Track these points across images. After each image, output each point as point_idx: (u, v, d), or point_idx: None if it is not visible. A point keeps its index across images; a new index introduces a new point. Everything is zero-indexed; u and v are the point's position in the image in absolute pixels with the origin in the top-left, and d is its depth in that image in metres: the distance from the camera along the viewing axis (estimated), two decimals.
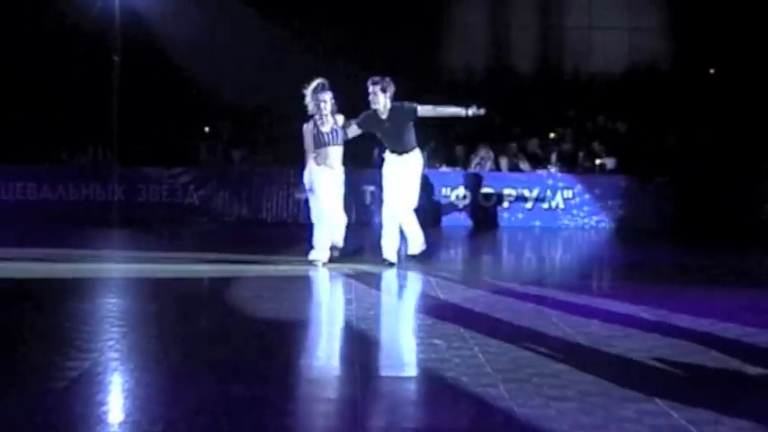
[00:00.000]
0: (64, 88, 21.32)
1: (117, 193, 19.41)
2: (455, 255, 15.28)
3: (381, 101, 12.11)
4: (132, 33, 20.81)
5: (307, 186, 12.14)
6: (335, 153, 11.99)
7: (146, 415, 5.23)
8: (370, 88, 12.14)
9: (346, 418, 5.29)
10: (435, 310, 8.70)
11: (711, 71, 23.63)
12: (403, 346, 7.52)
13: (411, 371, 6.55)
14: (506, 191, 19.62)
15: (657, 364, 6.60)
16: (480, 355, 6.77)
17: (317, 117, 11.92)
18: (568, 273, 12.90)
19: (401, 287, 10.97)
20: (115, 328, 7.60)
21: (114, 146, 20.28)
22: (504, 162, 20.52)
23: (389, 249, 12.14)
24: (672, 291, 10.27)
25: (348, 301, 9.27)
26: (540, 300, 9.44)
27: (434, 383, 6.08)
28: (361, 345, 7.23)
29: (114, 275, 11.33)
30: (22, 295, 9.56)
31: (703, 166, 19.64)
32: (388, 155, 12.33)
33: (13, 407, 5.31)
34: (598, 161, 20.67)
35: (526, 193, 19.57)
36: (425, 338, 7.42)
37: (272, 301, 9.08)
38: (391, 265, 11.95)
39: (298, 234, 14.45)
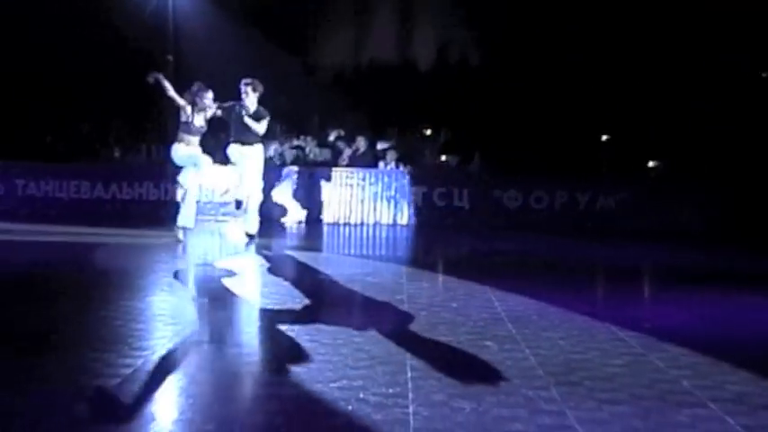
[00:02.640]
0: (118, 88, 21.53)
1: (170, 192, 19.55)
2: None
3: (251, 99, 14.18)
4: (184, 32, 20.97)
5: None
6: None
7: (199, 413, 5.26)
8: (242, 87, 14.14)
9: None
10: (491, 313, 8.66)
11: None
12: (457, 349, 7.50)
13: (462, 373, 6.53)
14: None
15: (713, 369, 6.55)
16: (532, 358, 6.74)
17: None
18: (618, 276, 12.81)
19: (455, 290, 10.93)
20: (168, 326, 7.65)
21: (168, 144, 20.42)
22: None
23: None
24: (724, 295, 10.17)
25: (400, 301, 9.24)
26: (591, 303, 9.38)
27: (487, 385, 6.05)
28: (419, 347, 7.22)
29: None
30: (74, 289, 9.62)
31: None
32: (232, 144, 14.38)
33: (66, 402, 5.37)
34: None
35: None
36: (478, 340, 7.41)
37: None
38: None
39: None
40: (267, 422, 4.99)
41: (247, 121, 14.25)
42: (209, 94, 14.07)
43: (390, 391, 5.67)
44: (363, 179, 19.93)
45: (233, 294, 9.49)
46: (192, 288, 10.20)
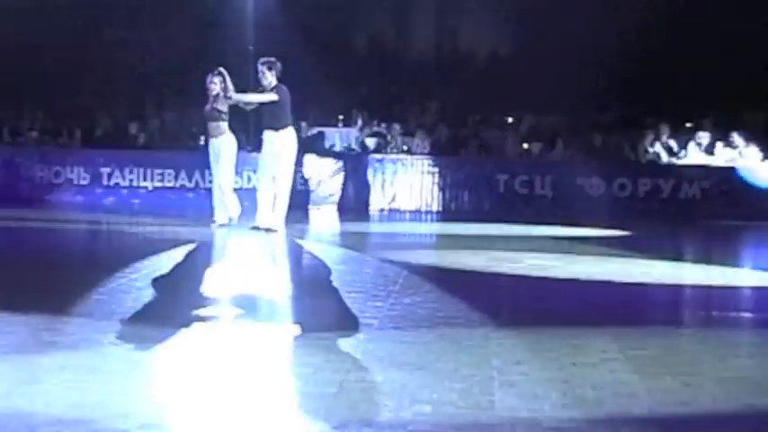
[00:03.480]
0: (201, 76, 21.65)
1: (253, 180, 19.68)
2: None
3: (268, 78, 13.61)
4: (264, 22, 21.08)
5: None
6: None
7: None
8: (259, 67, 13.74)
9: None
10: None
11: None
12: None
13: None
14: None
15: None
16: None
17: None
18: None
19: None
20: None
21: (251, 133, 20.55)
22: None
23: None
24: None
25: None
26: None
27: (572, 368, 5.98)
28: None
29: None
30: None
31: None
32: (264, 131, 13.89)
33: None
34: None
35: None
36: (561, 328, 7.33)
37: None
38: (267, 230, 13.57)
39: None
40: (352, 407, 4.97)
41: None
42: (216, 79, 14.09)
43: (475, 378, 5.62)
44: (444, 167, 19.87)
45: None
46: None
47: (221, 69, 14.07)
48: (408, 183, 19.81)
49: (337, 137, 21.15)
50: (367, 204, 19.67)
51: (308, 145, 20.29)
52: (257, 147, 14.83)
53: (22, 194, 19.62)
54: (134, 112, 22.44)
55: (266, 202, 13.91)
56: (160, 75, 22.27)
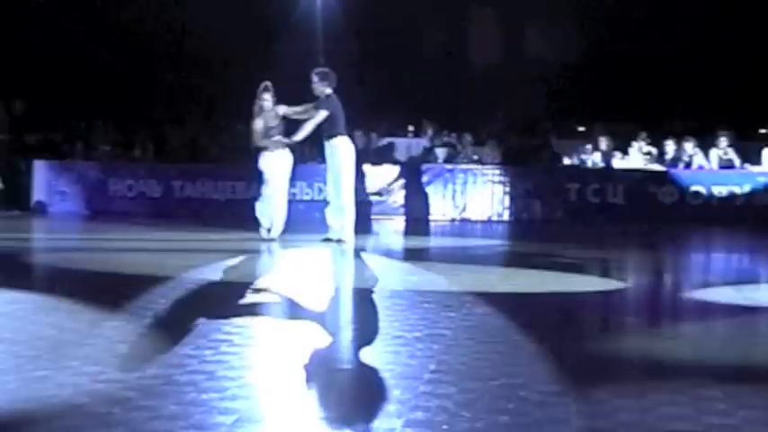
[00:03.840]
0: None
1: (323, 192, 19.75)
2: None
3: (319, 89, 13.64)
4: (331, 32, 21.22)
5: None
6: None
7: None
8: (313, 77, 13.72)
9: None
10: None
11: None
12: None
13: None
14: None
15: None
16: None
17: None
18: None
19: None
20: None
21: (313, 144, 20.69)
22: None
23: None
24: None
25: None
26: None
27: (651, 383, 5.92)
28: None
29: None
30: None
31: None
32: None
33: None
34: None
35: None
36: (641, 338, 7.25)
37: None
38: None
39: None
40: (429, 420, 4.96)
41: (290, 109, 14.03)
42: (266, 95, 14.03)
43: (551, 389, 5.59)
44: (515, 176, 19.82)
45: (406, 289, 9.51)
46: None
47: (268, 84, 14.12)
48: (479, 192, 19.76)
49: (407, 147, 21.17)
50: (428, 215, 19.62)
51: (378, 155, 20.35)
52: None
53: (98, 208, 19.88)
54: (205, 125, 22.65)
55: (332, 213, 13.97)
56: (230, 86, 22.42)
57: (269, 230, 14.12)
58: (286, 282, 10.47)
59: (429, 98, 22.24)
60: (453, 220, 19.59)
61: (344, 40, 21.43)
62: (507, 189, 19.72)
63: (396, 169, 19.99)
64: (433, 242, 16.80)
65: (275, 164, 14.04)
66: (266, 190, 14.07)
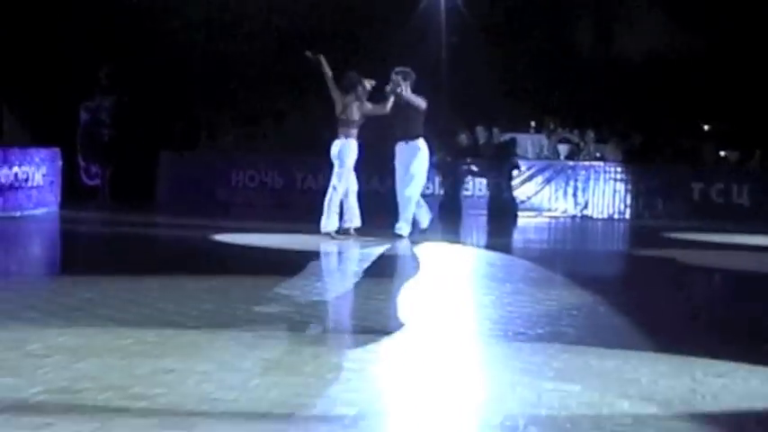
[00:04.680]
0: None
1: (445, 186, 19.84)
2: None
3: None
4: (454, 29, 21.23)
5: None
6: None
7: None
8: (393, 77, 13.40)
9: None
10: None
11: None
12: None
13: None
14: None
15: None
16: None
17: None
18: None
19: None
20: None
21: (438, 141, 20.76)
22: None
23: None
24: None
25: None
26: None
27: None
28: None
29: None
30: None
31: None
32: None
33: None
34: None
35: None
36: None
37: None
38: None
39: None
40: (552, 421, 4.98)
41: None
42: (367, 84, 13.52)
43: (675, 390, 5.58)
44: (637, 175, 19.60)
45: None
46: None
47: (353, 74, 13.56)
48: (601, 190, 19.60)
49: (529, 143, 21.07)
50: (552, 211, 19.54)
51: (500, 151, 20.31)
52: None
53: (220, 199, 20.21)
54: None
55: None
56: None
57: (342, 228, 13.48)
58: (413, 277, 10.56)
59: (552, 93, 22.04)
60: (574, 217, 19.45)
61: (464, 34, 21.39)
62: (629, 187, 19.51)
63: (518, 165, 19.90)
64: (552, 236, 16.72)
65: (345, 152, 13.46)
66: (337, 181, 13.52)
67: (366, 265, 11.41)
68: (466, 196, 19.80)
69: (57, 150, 17.60)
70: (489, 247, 14.61)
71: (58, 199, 17.46)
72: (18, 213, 15.94)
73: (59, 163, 17.61)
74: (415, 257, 12.23)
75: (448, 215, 18.44)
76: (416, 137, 13.56)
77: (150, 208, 19.04)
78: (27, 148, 16.89)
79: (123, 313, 7.31)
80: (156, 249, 13.16)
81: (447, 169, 19.78)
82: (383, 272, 10.82)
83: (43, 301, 7.72)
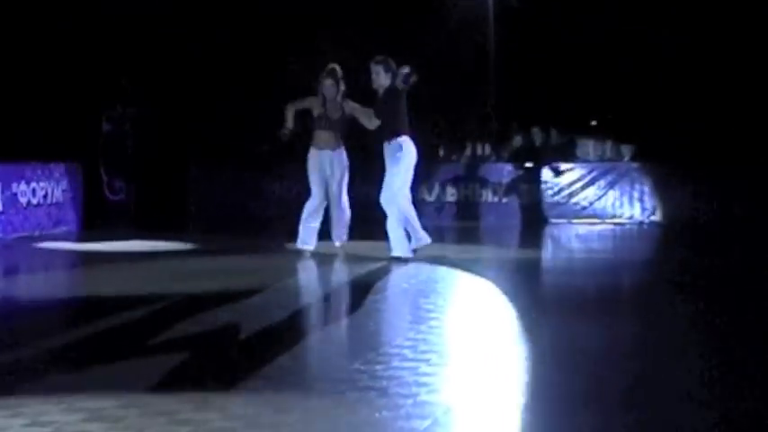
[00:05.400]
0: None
1: (500, 194, 19.59)
2: None
3: (382, 80, 12.40)
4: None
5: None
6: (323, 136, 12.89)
7: None
8: (373, 67, 12.45)
9: None
10: None
11: None
12: None
13: None
14: None
15: None
16: None
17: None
18: None
19: None
20: None
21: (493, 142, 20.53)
22: None
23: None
24: None
25: None
26: None
27: None
28: None
29: None
30: None
31: None
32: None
33: None
34: None
35: None
36: None
37: None
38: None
39: None
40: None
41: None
42: (327, 81, 12.84)
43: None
44: (709, 176, 19.22)
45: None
46: None
47: (335, 67, 12.87)
48: (671, 193, 19.25)
49: (591, 144, 20.70)
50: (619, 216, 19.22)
51: (557, 152, 20.02)
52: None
53: (253, 213, 20.01)
54: None
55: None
56: None
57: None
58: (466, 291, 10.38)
59: (614, 92, 21.68)
60: (641, 223, 19.09)
61: (514, 28, 21.19)
62: (701, 189, 19.12)
63: (577, 167, 19.61)
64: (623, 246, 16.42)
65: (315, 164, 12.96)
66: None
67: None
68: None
69: (77, 164, 17.54)
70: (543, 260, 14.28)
71: (80, 217, 17.39)
72: (37, 233, 15.92)
73: (80, 178, 17.56)
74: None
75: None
76: (398, 134, 12.41)
77: (180, 226, 18.80)
78: (45, 163, 16.81)
79: None
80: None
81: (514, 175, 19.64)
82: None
83: None
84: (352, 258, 12.52)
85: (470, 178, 19.87)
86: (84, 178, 17.82)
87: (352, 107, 12.88)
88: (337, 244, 13.19)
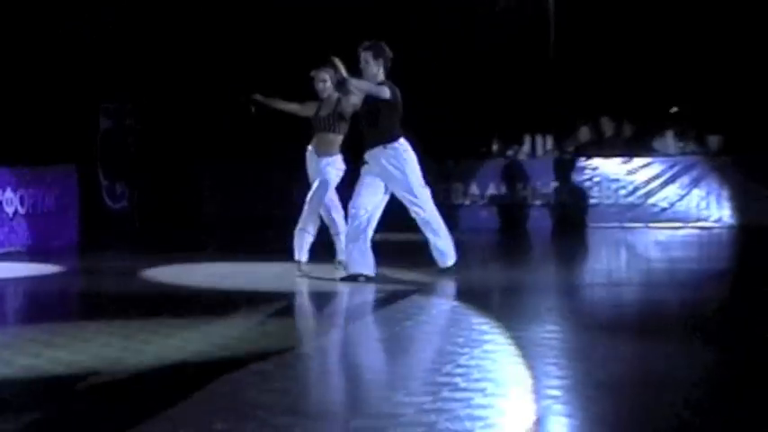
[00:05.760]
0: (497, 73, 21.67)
1: (562, 193, 19.56)
2: None
3: (373, 70, 12.21)
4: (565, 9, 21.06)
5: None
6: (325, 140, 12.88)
7: None
8: (362, 54, 12.23)
9: None
10: None
11: None
12: None
13: None
14: None
15: None
16: None
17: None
18: None
19: None
20: None
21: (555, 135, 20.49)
22: None
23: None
24: None
25: None
26: None
27: None
28: None
29: None
30: None
31: None
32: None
33: None
34: None
35: None
36: None
37: None
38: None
39: None
40: None
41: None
42: (321, 75, 12.88)
43: None
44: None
45: None
46: None
47: (334, 59, 12.36)
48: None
49: (670, 136, 20.59)
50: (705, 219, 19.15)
51: (631, 145, 20.00)
52: None
53: (278, 217, 20.03)
54: None
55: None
56: None
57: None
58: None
59: (697, 75, 21.58)
60: (731, 227, 18.96)
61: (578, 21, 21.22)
62: None
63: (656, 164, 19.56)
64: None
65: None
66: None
67: None
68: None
69: (72, 167, 17.49)
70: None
71: (76, 229, 17.35)
72: (23, 249, 15.90)
73: (76, 183, 17.50)
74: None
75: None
76: (396, 137, 12.25)
77: (192, 240, 18.79)
78: (34, 167, 16.71)
79: None
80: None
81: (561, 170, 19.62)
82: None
83: None
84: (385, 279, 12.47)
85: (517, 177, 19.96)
86: (81, 183, 17.72)
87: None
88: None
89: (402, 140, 12.15)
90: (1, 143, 16.90)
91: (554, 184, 19.66)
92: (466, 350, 7.93)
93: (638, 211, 19.34)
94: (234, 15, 21.44)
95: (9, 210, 15.87)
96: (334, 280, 12.16)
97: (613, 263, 15.98)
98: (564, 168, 19.69)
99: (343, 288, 11.85)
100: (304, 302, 11.77)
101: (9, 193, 15.90)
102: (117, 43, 19.79)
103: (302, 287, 12.19)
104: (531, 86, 21.04)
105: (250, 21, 21.39)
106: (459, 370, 7.14)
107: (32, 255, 15.53)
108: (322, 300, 11.64)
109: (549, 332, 8.90)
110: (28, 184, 16.32)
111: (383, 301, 10.84)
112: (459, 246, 12.38)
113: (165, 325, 9.28)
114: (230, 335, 8.89)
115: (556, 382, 6.87)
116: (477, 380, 6.87)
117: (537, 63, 21.21)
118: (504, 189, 19.92)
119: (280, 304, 10.93)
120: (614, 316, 10.33)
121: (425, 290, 11.54)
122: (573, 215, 19.44)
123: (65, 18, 18.71)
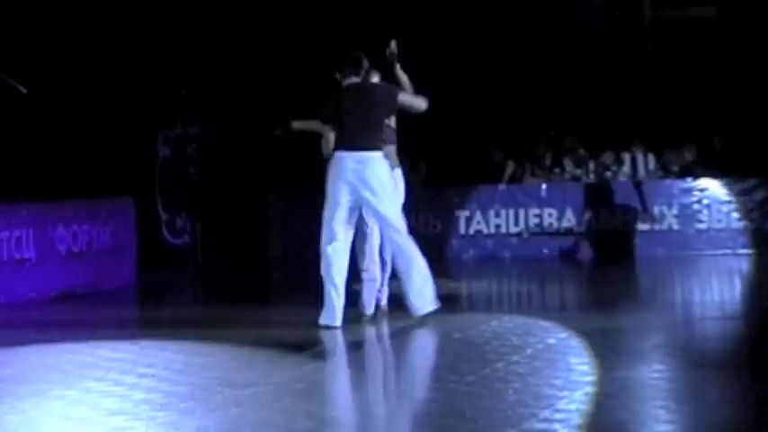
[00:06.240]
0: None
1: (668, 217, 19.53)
2: None
3: (372, 77, 12.12)
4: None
5: None
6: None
7: None
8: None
9: None
10: None
11: None
12: None
13: None
14: None
15: None
16: None
17: None
18: None
19: None
20: None
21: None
22: None
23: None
24: None
25: None
26: None
27: None
28: None
29: None
30: None
31: None
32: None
33: None
34: None
35: None
36: None
37: None
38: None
39: None
40: None
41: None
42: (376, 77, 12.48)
43: None
44: None
45: None
46: None
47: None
48: None
49: None
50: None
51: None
52: None
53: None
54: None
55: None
56: None
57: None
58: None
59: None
60: None
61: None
62: None
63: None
64: None
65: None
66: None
67: None
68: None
69: (129, 200, 17.61)
70: None
71: (134, 267, 17.45)
72: (79, 289, 15.96)
73: (133, 217, 17.63)
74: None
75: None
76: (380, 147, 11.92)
77: (262, 281, 18.84)
78: (89, 200, 16.87)
79: None
80: None
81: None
82: None
83: None
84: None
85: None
86: (139, 217, 17.83)
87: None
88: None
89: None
90: (52, 176, 17.09)
91: (658, 208, 19.59)
92: (565, 393, 7.94)
93: (752, 236, 19.22)
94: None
95: (61, 247, 15.94)
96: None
97: (726, 294, 15.92)
98: (669, 190, 19.59)
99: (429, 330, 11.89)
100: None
101: (61, 229, 15.95)
102: (175, 66, 19.92)
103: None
104: (629, 98, 21.14)
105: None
106: (558, 415, 7.15)
107: (86, 297, 15.64)
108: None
109: (657, 371, 8.92)
110: (82, 220, 16.40)
111: (470, 342, 10.88)
112: (555, 278, 12.45)
113: None
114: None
115: (664, 428, 6.88)
116: (577, 426, 6.89)
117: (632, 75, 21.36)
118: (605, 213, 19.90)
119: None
120: (728, 353, 10.31)
121: (517, 328, 11.57)
122: (679, 241, 19.33)
123: (118, 45, 18.89)
